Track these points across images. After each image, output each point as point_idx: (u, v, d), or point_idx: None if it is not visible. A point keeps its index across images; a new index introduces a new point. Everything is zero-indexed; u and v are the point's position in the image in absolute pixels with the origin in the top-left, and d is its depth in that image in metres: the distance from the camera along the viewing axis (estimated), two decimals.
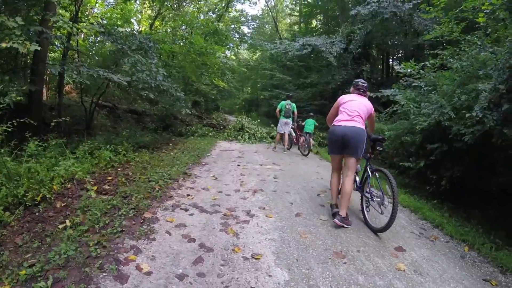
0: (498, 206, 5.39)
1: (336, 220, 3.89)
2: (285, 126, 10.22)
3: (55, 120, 5.55)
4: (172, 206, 4.24)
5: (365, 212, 4.21)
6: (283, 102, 10.34)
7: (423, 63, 8.12)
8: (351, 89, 4.61)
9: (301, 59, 21.08)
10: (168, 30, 19.67)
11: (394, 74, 21.40)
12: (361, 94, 4.44)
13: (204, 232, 3.49)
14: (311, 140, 11.17)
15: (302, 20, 30.90)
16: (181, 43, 17.01)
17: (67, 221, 3.47)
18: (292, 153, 10.33)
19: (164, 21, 21.91)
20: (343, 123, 4.08)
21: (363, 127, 4.10)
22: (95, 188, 4.69)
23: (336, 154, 4.29)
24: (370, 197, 4.08)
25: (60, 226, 3.37)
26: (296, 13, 33.47)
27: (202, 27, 18.70)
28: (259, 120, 16.34)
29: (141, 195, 4.43)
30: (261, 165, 7.70)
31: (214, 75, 20.71)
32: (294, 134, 11.08)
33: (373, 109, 4.39)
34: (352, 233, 3.84)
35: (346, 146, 4.05)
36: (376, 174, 4.10)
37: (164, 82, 8.99)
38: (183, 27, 18.95)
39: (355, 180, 4.36)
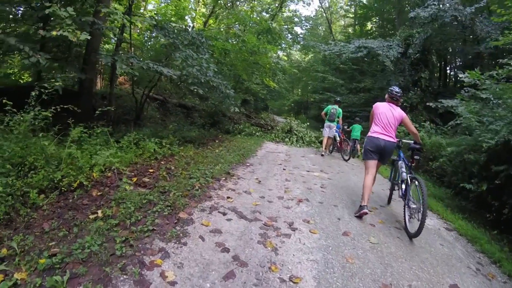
0: None
1: (366, 211, 4.41)
2: (329, 130, 10.24)
3: (100, 109, 5.52)
4: (210, 208, 3.99)
5: (406, 218, 4.38)
6: (329, 106, 10.49)
7: (489, 73, 7.23)
8: (386, 96, 4.99)
9: (355, 63, 20.45)
10: (221, 28, 19.77)
11: (451, 83, 20.13)
12: (394, 102, 4.87)
13: (240, 242, 3.18)
14: (357, 146, 11.30)
15: (356, 22, 30.01)
16: (234, 41, 16.96)
17: (99, 211, 3.36)
18: (341, 161, 9.79)
19: (218, 20, 22.10)
20: (382, 136, 4.67)
21: (395, 139, 4.75)
22: (134, 179, 4.60)
23: (372, 160, 4.79)
24: (408, 203, 4.36)
25: (91, 216, 3.25)
26: (350, 15, 32.67)
27: (255, 25, 18.52)
28: (308, 124, 15.86)
29: (179, 192, 4.24)
30: (308, 171, 7.29)
31: (265, 75, 20.50)
32: (338, 139, 10.66)
33: (404, 114, 4.82)
34: (404, 262, 3.37)
35: (381, 156, 4.78)
36: (416, 182, 4.26)
37: (214, 78, 8.85)
38: (236, 26, 18.92)
39: (400, 188, 4.79)
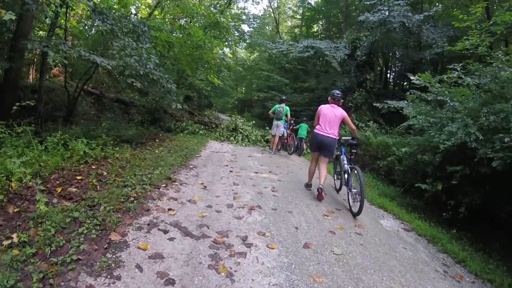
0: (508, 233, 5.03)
1: (321, 194, 5.40)
2: (276, 128, 10.38)
3: (17, 104, 4.62)
4: (148, 224, 3.37)
5: (350, 201, 5.19)
6: (276, 105, 10.76)
7: (439, 77, 7.40)
8: (329, 98, 5.90)
9: (301, 63, 20.55)
10: (167, 19, 18.67)
11: (391, 86, 21.09)
12: (335, 103, 5.78)
13: (187, 269, 2.63)
14: (303, 145, 11.56)
15: (303, 24, 30.43)
16: (179, 34, 16.04)
17: (14, 235, 2.64)
18: (288, 160, 9.51)
19: (164, 11, 20.90)
20: (323, 132, 5.61)
21: (336, 137, 5.63)
22: (58, 190, 3.84)
23: (315, 151, 5.86)
24: (350, 189, 5.21)
25: (5, 243, 2.54)
26: (298, 16, 33.11)
27: (202, 18, 17.75)
28: (254, 122, 15.49)
29: (111, 206, 3.57)
30: (256, 172, 6.87)
31: (209, 71, 19.82)
32: (285, 135, 10.80)
33: (345, 114, 5.73)
34: (374, 273, 3.12)
35: (322, 149, 5.67)
36: (355, 171, 5.15)
37: (155, 70, 8.09)
38: (183, 20, 18.00)
39: (343, 177, 5.74)
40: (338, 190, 6.41)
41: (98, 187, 4.33)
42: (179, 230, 3.34)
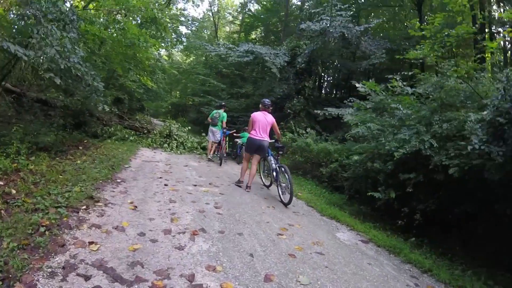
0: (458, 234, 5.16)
1: (247, 189, 6.38)
2: (211, 134, 10.16)
3: None
4: (64, 267, 2.51)
5: (280, 193, 6.07)
6: (214, 110, 10.63)
7: (383, 85, 7.37)
8: (260, 106, 6.75)
9: (238, 68, 20.33)
10: (101, 12, 16.94)
11: (324, 94, 21.66)
12: (266, 110, 6.64)
13: None
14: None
15: (242, 30, 30.24)
16: (112, 29, 14.54)
17: None
18: (228, 169, 8.85)
19: (99, 3, 19.03)
20: (259, 137, 6.40)
21: (268, 139, 6.55)
22: None
23: (251, 153, 6.66)
24: (280, 184, 6.09)
25: None
26: (237, 22, 32.92)
27: (139, 11, 16.40)
28: (189, 127, 14.57)
29: (15, 242, 2.65)
30: (195, 185, 6.11)
31: (143, 72, 18.51)
32: (222, 144, 10.03)
33: (274, 120, 6.66)
34: None
35: (258, 151, 6.51)
36: (282, 168, 6.08)
37: (80, 65, 6.98)
38: (119, 16, 16.48)
39: (272, 175, 6.62)
40: (268, 187, 7.20)
41: (2, 211, 3.32)
42: (105, 273, 2.53)
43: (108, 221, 3.63)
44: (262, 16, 26.43)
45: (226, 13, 35.58)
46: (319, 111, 10.23)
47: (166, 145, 11.13)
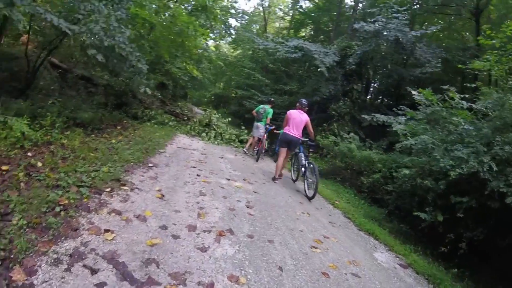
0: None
1: (275, 181, 6.79)
2: (256, 130, 9.81)
3: None
4: (71, 255, 2.26)
5: (306, 188, 6.30)
6: (261, 105, 10.30)
7: (440, 95, 6.66)
8: (297, 104, 7.05)
9: (285, 65, 19.87)
10: None
11: (370, 99, 20.69)
12: (302, 109, 6.92)
13: None
14: None
15: (292, 27, 29.68)
16: (162, 15, 14.56)
17: None
18: (264, 166, 8.44)
19: None
20: (291, 133, 6.69)
21: (301, 137, 6.84)
22: None
23: (284, 148, 6.87)
24: (306, 179, 6.36)
25: None
26: (287, 18, 32.41)
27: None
28: (230, 119, 14.33)
29: (26, 220, 2.44)
30: (229, 179, 5.78)
31: (189, 60, 18.54)
32: (262, 140, 9.59)
33: (308, 119, 6.88)
34: None
35: (289, 145, 6.83)
36: (311, 165, 6.31)
37: (125, 45, 6.88)
38: (170, 2, 16.55)
39: (301, 170, 6.95)
40: (294, 181, 7.51)
41: (22, 184, 3.16)
42: (115, 268, 2.24)
43: (131, 208, 3.37)
44: (313, 14, 25.67)
45: (276, 9, 35.01)
46: (366, 116, 9.57)
47: (204, 134, 10.94)
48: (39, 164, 3.96)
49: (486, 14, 15.40)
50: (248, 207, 4.40)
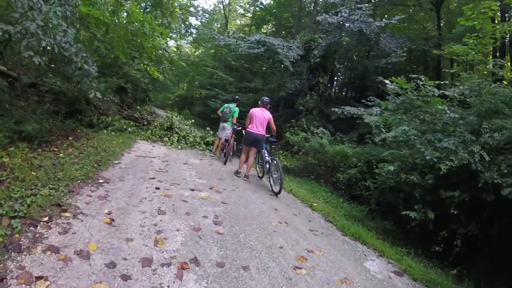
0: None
1: (245, 178, 6.88)
2: (222, 131, 9.29)
3: None
4: None
5: (272, 184, 6.32)
6: (225, 104, 9.76)
7: (414, 83, 6.35)
8: (259, 102, 7.26)
9: (248, 61, 19.64)
10: None
11: (335, 92, 20.63)
12: (264, 107, 7.09)
13: None
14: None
15: (253, 23, 29.27)
16: (118, 14, 13.51)
17: None
18: (233, 169, 7.81)
19: None
20: (255, 131, 6.88)
21: (264, 133, 7.00)
22: None
23: (248, 146, 7.06)
24: (271, 175, 6.41)
25: None
26: (248, 15, 32.05)
27: None
28: (192, 121, 13.57)
29: None
30: (193, 190, 5.15)
31: (149, 62, 17.58)
32: (229, 141, 8.94)
33: (271, 116, 7.07)
34: None
35: (254, 144, 6.97)
36: (274, 161, 6.41)
37: (68, 45, 6.09)
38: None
39: (264, 167, 6.97)
40: (261, 177, 7.54)
41: None
42: None
43: (72, 241, 2.72)
44: (274, 10, 25.66)
45: (237, 6, 34.61)
46: (336, 109, 9.22)
47: (166, 138, 10.17)
48: None
49: (446, 4, 15.70)
50: (216, 224, 3.81)
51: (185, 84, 38.70)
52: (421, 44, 14.61)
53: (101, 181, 4.60)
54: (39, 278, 2.20)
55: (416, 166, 5.09)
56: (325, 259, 3.54)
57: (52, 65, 6.35)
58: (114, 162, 5.96)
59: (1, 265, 2.27)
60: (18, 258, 2.39)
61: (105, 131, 9.65)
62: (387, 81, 6.37)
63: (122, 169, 5.59)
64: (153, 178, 5.36)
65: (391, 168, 5.14)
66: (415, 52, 15.49)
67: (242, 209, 4.63)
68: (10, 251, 2.44)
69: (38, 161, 4.96)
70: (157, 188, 4.79)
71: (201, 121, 21.20)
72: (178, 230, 3.39)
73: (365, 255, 4.06)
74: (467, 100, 5.62)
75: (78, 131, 8.89)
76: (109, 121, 10.59)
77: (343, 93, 21.62)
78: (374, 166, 6.48)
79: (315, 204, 5.88)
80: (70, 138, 7.71)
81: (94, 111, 11.16)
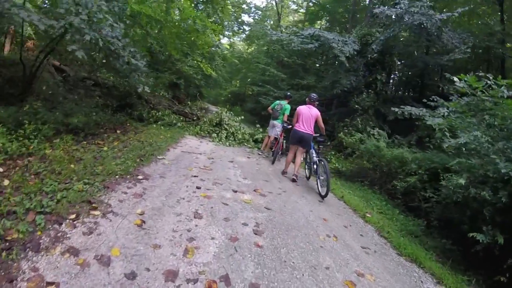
0: None
1: (294, 178, 6.52)
2: (271, 129, 8.92)
3: None
4: None
5: (319, 186, 6.03)
6: (277, 101, 9.24)
7: (485, 82, 5.47)
8: (306, 99, 6.90)
9: (301, 58, 19.23)
10: None
11: (391, 91, 19.33)
12: (312, 104, 6.75)
13: None
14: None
15: (306, 19, 28.50)
16: (172, 12, 13.59)
17: None
18: (281, 169, 7.34)
19: None
20: (301, 129, 6.56)
21: (312, 133, 6.62)
22: None
23: (294, 145, 6.78)
24: (319, 177, 6.11)
25: None
26: (301, 11, 31.37)
27: None
28: (242, 117, 13.30)
29: None
30: (236, 191, 4.80)
31: (202, 58, 17.72)
32: (279, 139, 8.50)
33: (319, 114, 6.71)
34: None
35: (300, 143, 6.65)
36: (322, 162, 6.11)
37: (116, 39, 6.04)
38: None
39: (312, 167, 6.74)
40: (308, 178, 7.20)
41: None
42: None
43: (94, 244, 2.48)
44: (327, 6, 24.80)
45: (289, 2, 33.87)
46: (396, 109, 8.41)
47: (214, 134, 9.99)
48: (6, 182, 3.19)
49: None
50: (256, 234, 3.39)
51: (237, 81, 38.91)
52: (484, 40, 13.08)
53: (140, 177, 4.41)
54: (50, 284, 1.98)
55: (487, 180, 4.30)
56: (377, 285, 2.99)
57: (104, 61, 6.42)
58: (158, 157, 5.81)
59: (15, 264, 2.09)
60: (34, 258, 2.19)
61: (154, 126, 9.68)
62: (455, 78, 5.55)
63: (165, 165, 5.39)
64: (195, 176, 5.10)
65: (462, 181, 4.34)
66: (476, 49, 13.95)
67: (287, 217, 4.18)
68: (27, 250, 2.26)
69: (80, 153, 4.92)
70: (197, 188, 4.50)
71: (252, 117, 21.03)
72: (212, 238, 3.03)
73: (421, 281, 3.43)
74: None
75: (128, 124, 8.99)
76: (159, 115, 10.67)
77: (400, 92, 20.22)
78: (438, 176, 5.71)
79: (368, 215, 5.26)
80: (118, 131, 7.76)
81: (145, 105, 11.31)
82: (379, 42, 11.83)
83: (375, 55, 12.32)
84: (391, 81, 18.65)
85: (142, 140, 6.99)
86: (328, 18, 26.50)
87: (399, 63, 15.16)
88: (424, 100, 7.83)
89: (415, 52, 14.00)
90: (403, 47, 13.97)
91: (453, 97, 6.22)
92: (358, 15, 21.36)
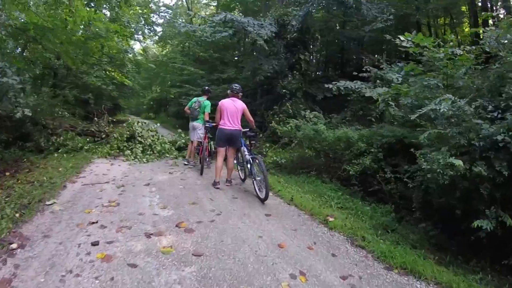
0: None
1: (228, 184, 6.02)
2: (193, 132, 7.69)
3: None
4: None
5: (256, 188, 5.38)
6: (194, 98, 7.98)
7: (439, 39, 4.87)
8: (228, 91, 6.19)
9: (217, 51, 18.58)
10: None
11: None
12: (235, 96, 6.03)
13: None
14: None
15: (218, 13, 27.44)
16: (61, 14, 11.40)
17: None
18: (212, 180, 5.99)
19: None
20: (228, 126, 5.80)
21: (240, 128, 5.94)
22: None
23: (223, 147, 5.98)
24: (255, 178, 5.40)
25: None
26: (213, 4, 30.17)
27: None
28: (159, 124, 11.60)
29: None
30: (150, 235, 3.47)
31: (110, 66, 15.79)
32: (203, 143, 7.23)
33: (245, 106, 6.02)
34: None
35: (230, 142, 5.92)
36: (256, 160, 5.37)
37: None
38: None
39: (246, 167, 6.02)
40: (243, 180, 6.49)
41: None
42: None
43: None
44: None
45: None
46: (330, 85, 7.68)
47: (128, 151, 8.35)
48: None
49: None
50: None
51: (157, 86, 36.89)
52: (403, 8, 13.02)
53: (14, 245, 2.96)
54: None
55: (468, 151, 3.52)
56: None
57: None
58: (47, 203, 4.29)
59: None
60: None
61: (56, 155, 7.90)
62: (402, 38, 4.73)
63: (54, 214, 3.91)
64: (94, 222, 3.69)
65: (459, 163, 3.33)
66: (395, 18, 14.03)
67: (228, 263, 2.95)
68: None
69: None
70: (94, 245, 3.11)
71: (178, 121, 19.62)
72: None
73: None
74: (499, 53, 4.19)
75: (24, 160, 7.20)
76: (60, 141, 8.75)
77: (321, 71, 20.07)
78: (396, 153, 4.97)
79: (330, 219, 4.20)
80: (7, 173, 6.06)
81: (42, 132, 9.23)
82: (298, 18, 11.13)
83: (294, 34, 11.69)
84: (314, 60, 18.36)
85: (34, 180, 5.37)
86: (241, 8, 25.54)
87: (319, 39, 14.74)
88: (355, 73, 7.39)
89: (336, 27, 13.59)
90: (323, 23, 13.50)
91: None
92: (269, 1, 20.62)
